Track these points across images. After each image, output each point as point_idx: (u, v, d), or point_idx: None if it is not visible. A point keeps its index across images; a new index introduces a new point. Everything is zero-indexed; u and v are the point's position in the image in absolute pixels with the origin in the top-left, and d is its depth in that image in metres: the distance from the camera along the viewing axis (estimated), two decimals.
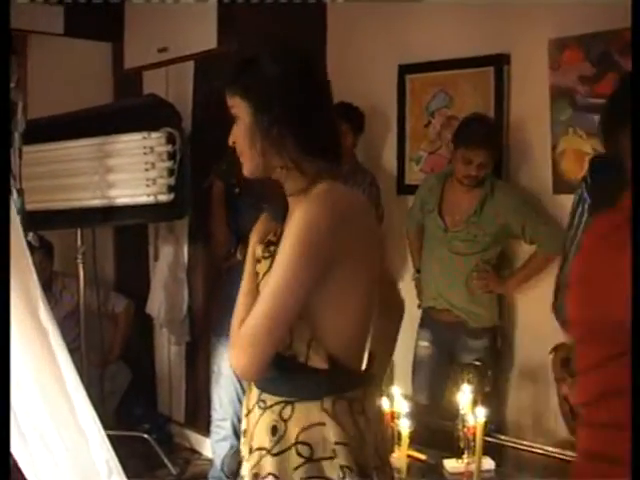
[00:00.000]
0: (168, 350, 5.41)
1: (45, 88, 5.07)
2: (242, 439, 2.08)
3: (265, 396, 1.98)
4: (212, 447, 4.57)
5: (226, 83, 2.02)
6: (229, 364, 1.92)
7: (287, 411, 1.93)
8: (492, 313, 4.25)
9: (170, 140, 4.23)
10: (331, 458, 1.90)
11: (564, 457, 3.06)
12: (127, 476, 1.88)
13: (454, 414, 3.14)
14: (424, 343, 4.35)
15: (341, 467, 1.89)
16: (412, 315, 4.52)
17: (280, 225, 2.01)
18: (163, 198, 4.23)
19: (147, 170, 4.23)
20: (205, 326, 4.98)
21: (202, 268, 5.10)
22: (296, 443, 1.91)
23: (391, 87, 4.75)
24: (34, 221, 3.49)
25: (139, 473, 4.15)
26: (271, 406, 1.96)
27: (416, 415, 3.07)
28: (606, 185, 2.29)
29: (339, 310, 1.94)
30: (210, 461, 4.67)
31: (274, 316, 1.84)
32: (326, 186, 1.94)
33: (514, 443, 3.38)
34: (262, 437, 1.96)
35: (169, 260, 5.09)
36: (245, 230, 2.30)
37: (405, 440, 2.89)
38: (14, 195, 3.54)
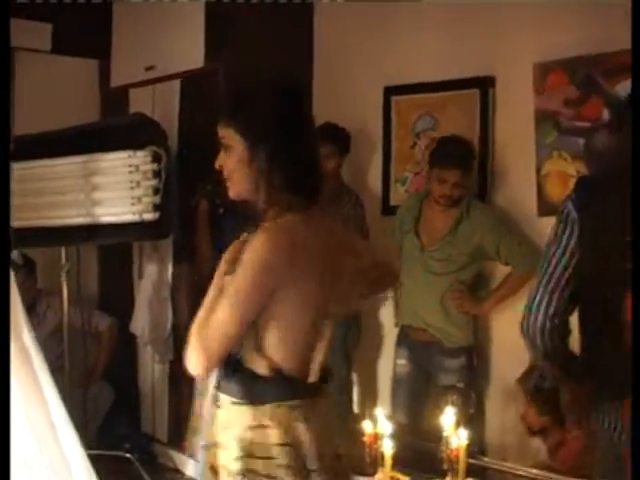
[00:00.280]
0: (152, 369, 5.39)
1: (32, 105, 5.06)
2: (197, 435, 2.31)
3: (221, 396, 2.21)
4: (196, 467, 4.54)
5: (221, 116, 2.21)
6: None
7: (237, 412, 2.17)
8: (467, 333, 4.26)
9: (156, 159, 4.22)
10: (270, 458, 2.12)
11: (547, 478, 3.07)
12: None
13: (437, 435, 3.15)
14: (402, 361, 4.38)
15: (278, 466, 2.11)
16: (393, 335, 4.57)
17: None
18: (148, 217, 4.22)
19: (132, 188, 4.22)
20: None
21: (186, 287, 5.09)
22: (241, 440, 2.14)
23: (377, 108, 4.77)
24: (18, 239, 3.48)
25: None
26: (224, 406, 2.20)
27: (399, 436, 3.07)
28: (593, 202, 2.31)
29: (283, 326, 2.16)
30: None
31: (223, 328, 2.09)
32: (290, 219, 2.15)
33: (497, 465, 3.38)
34: (216, 433, 2.21)
35: (153, 279, 5.08)
36: None
37: (388, 461, 2.90)
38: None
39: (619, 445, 2.20)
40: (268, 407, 2.15)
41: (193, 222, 4.57)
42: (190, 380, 2.46)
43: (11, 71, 5.03)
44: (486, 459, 3.45)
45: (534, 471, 3.21)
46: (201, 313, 2.16)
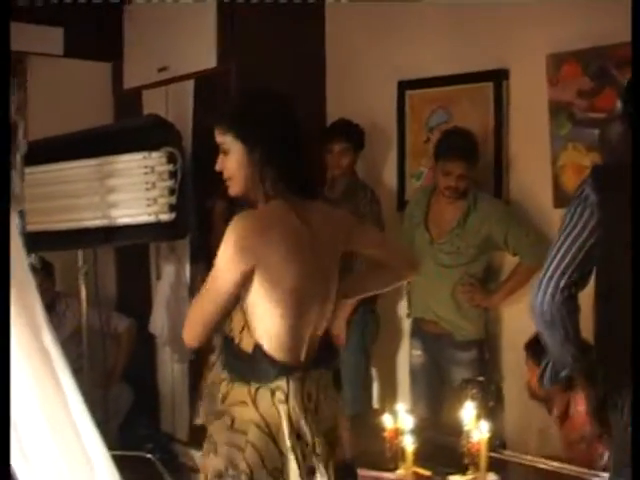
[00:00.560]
0: (171, 369, 5.40)
1: (45, 109, 5.08)
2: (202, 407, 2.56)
3: (222, 372, 2.46)
4: None
5: (218, 123, 2.48)
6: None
7: (229, 387, 2.41)
8: (478, 326, 4.29)
9: (171, 159, 4.23)
10: (244, 433, 2.34)
11: (566, 471, 3.06)
12: None
13: (458, 430, 3.14)
14: (417, 352, 4.43)
15: (247, 442, 2.32)
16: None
17: None
18: (164, 217, 4.22)
19: (148, 190, 4.23)
20: (208, 344, 4.97)
21: None
22: (225, 413, 2.39)
23: (391, 103, 4.76)
24: (36, 242, 3.49)
25: None
26: (223, 379, 2.44)
27: (420, 431, 3.07)
28: (609, 188, 2.31)
29: (264, 306, 2.35)
30: None
31: (204, 307, 2.40)
32: (273, 204, 2.39)
33: (517, 458, 3.37)
34: (211, 404, 2.47)
35: (171, 279, 5.09)
36: None
37: (409, 456, 2.89)
38: (16, 217, 3.55)
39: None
40: (252, 386, 2.37)
41: (209, 222, 4.56)
42: None
43: (24, 76, 5.07)
44: (507, 452, 3.44)
45: (554, 464, 3.20)
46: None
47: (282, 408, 2.35)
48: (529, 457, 3.34)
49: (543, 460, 3.27)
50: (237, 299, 2.39)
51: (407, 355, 4.59)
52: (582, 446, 3.18)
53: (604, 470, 2.90)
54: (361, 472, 3.13)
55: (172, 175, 4.23)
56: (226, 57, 4.80)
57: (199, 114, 5.05)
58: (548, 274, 2.38)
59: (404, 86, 4.71)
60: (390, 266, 2.74)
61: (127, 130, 4.69)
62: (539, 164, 4.15)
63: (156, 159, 4.23)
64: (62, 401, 1.51)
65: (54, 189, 4.45)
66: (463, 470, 3.04)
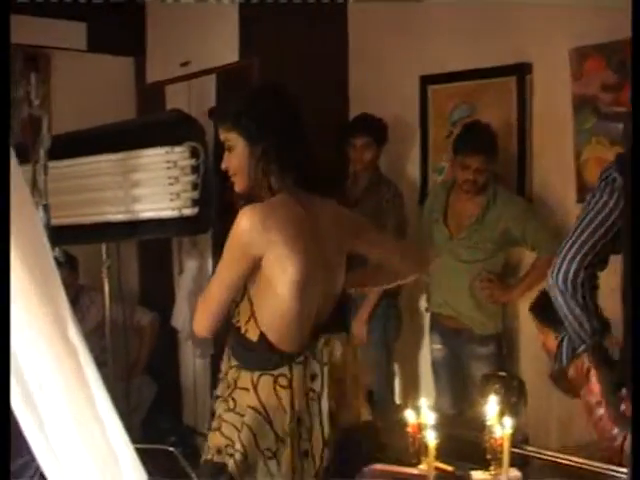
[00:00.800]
0: (193, 362, 5.42)
1: (69, 104, 5.11)
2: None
3: (231, 359, 2.57)
4: None
5: (221, 122, 2.55)
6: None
7: (236, 374, 2.52)
8: (496, 321, 4.31)
9: (194, 154, 4.23)
10: (242, 415, 2.46)
11: (589, 467, 3.04)
12: None
13: (480, 425, 3.13)
14: (437, 346, 4.46)
15: (243, 423, 2.45)
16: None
17: None
18: (187, 212, 4.23)
19: (171, 184, 4.23)
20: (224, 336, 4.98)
21: None
22: (231, 396, 2.51)
23: (413, 98, 4.75)
24: (60, 236, 3.51)
25: None
26: (232, 367, 2.55)
27: (442, 426, 3.06)
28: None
29: (269, 296, 2.45)
30: None
31: (212, 298, 2.49)
32: (279, 197, 2.46)
33: (540, 453, 3.36)
34: (223, 388, 2.58)
35: (193, 273, 5.10)
36: None
37: (432, 452, 2.88)
38: (40, 211, 3.58)
39: None
40: (255, 373, 2.47)
41: (232, 216, 4.57)
42: None
43: (48, 71, 5.09)
44: (529, 448, 3.42)
45: (576, 459, 3.17)
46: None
47: (284, 394, 2.45)
48: (551, 453, 3.32)
49: (565, 456, 3.25)
50: (244, 290, 2.48)
51: (429, 350, 4.59)
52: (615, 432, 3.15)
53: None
54: (383, 467, 3.14)
55: (195, 170, 4.23)
56: (248, 51, 4.81)
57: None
58: (573, 250, 2.39)
59: (427, 81, 4.70)
60: (395, 266, 2.86)
61: (150, 125, 4.71)
62: (562, 158, 4.13)
63: (179, 154, 4.24)
64: (87, 395, 1.52)
65: (78, 183, 4.47)
66: (486, 466, 3.02)
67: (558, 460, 3.23)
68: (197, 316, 2.56)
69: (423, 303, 4.73)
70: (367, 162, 4.55)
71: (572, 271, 2.40)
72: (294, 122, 2.54)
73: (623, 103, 3.86)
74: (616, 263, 2.47)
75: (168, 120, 4.68)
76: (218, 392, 2.63)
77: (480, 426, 3.12)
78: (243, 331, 2.51)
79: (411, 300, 4.76)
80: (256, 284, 2.47)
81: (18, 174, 1.46)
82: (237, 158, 2.51)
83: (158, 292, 5.61)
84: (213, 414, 2.62)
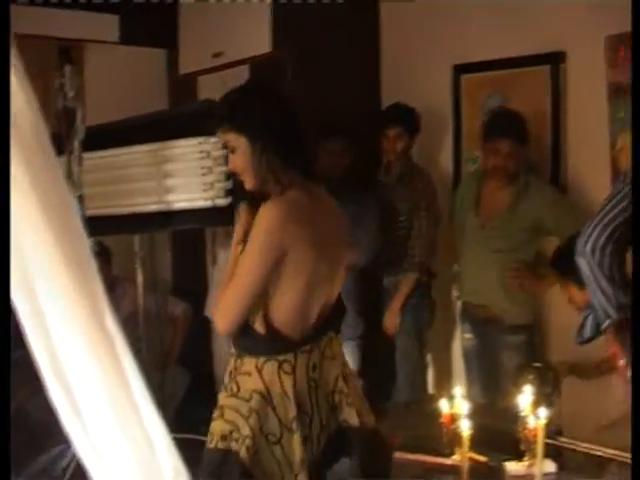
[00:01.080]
0: (226, 353, 5.43)
1: (102, 95, 5.13)
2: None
3: (232, 348, 2.65)
4: None
5: (220, 125, 2.58)
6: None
7: (238, 362, 2.59)
8: (528, 310, 4.29)
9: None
10: (247, 400, 2.52)
11: (622, 458, 3.02)
12: None
13: (513, 415, 3.12)
14: (468, 335, 4.46)
15: (250, 409, 2.51)
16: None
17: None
18: (221, 202, 4.23)
19: (204, 175, 4.23)
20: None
21: None
22: (233, 382, 2.58)
23: (446, 87, 4.73)
24: (93, 227, 3.53)
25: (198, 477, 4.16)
26: (233, 355, 2.64)
27: (475, 416, 3.05)
28: None
29: (284, 290, 2.50)
30: None
31: (241, 293, 2.49)
32: (293, 193, 2.51)
33: (574, 445, 3.34)
34: (226, 376, 2.64)
35: None
36: None
37: (466, 442, 2.88)
38: (74, 202, 3.60)
39: None
40: (260, 359, 2.53)
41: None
42: None
43: (81, 63, 5.12)
44: (562, 439, 3.41)
45: (610, 451, 3.16)
46: (224, 282, 2.57)
47: (287, 379, 2.52)
48: (585, 444, 3.31)
49: (599, 447, 3.24)
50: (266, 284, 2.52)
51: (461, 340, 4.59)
52: None
53: None
54: (417, 457, 3.14)
55: (228, 160, 4.24)
56: (281, 42, 4.80)
57: None
58: (604, 221, 2.40)
59: (459, 70, 4.68)
60: None
61: (183, 115, 4.71)
62: (597, 148, 4.11)
63: (212, 144, 4.23)
64: (124, 383, 1.54)
65: (111, 174, 4.48)
66: (519, 456, 3.02)
67: (592, 452, 3.21)
68: (222, 312, 2.57)
69: (455, 293, 4.72)
70: (400, 152, 4.54)
71: (601, 240, 2.41)
72: (288, 115, 2.58)
73: None
74: None
75: (201, 110, 4.68)
76: (225, 381, 2.66)
77: (513, 417, 3.12)
78: (251, 322, 2.55)
79: (444, 290, 4.74)
80: (274, 276, 2.50)
81: (57, 166, 1.47)
82: (241, 157, 2.55)
83: (191, 282, 5.63)
84: (215, 404, 2.66)
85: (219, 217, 4.37)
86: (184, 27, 5.53)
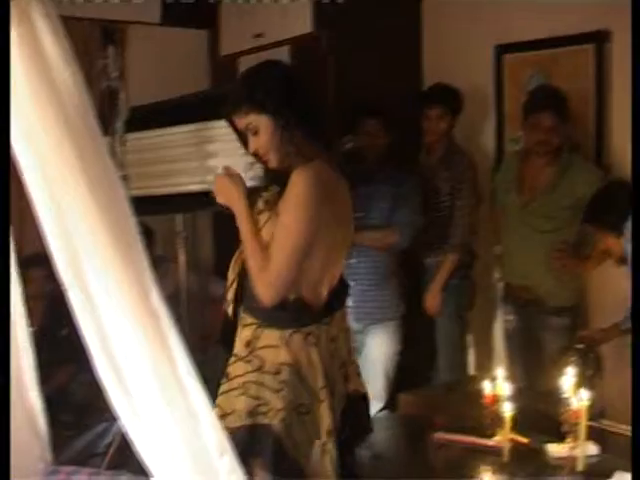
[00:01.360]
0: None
1: (144, 77, 5.16)
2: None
3: (246, 317, 2.60)
4: None
5: (238, 109, 2.59)
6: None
7: (258, 332, 2.56)
8: (571, 292, 4.24)
9: None
10: (276, 374, 2.51)
11: None
12: None
13: (554, 397, 3.11)
14: (509, 317, 4.43)
15: (280, 382, 2.49)
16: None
17: (276, 188, 2.60)
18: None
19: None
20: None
21: None
22: (254, 355, 2.54)
23: (488, 67, 4.70)
24: (137, 208, 3.55)
25: None
26: (249, 325, 2.58)
27: (517, 398, 3.05)
28: None
29: (312, 257, 2.49)
30: None
31: (290, 261, 2.45)
32: (317, 162, 2.49)
33: (615, 427, 3.32)
34: (240, 347, 2.60)
35: None
36: None
37: (508, 423, 2.88)
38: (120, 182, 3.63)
39: None
40: (286, 332, 2.52)
41: None
42: None
43: (123, 44, 5.15)
44: (605, 422, 3.39)
45: None
46: (256, 252, 2.55)
47: (314, 350, 2.53)
48: (627, 427, 3.28)
49: None
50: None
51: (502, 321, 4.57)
52: None
53: None
54: (458, 437, 3.14)
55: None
56: (321, 23, 4.79)
57: None
58: None
59: (502, 50, 4.64)
60: None
61: (225, 96, 4.72)
62: None
63: None
64: (170, 360, 1.56)
65: (154, 155, 4.51)
66: (561, 438, 3.01)
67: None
68: (266, 283, 2.49)
69: (497, 274, 4.70)
70: (441, 132, 4.51)
71: None
72: (304, 91, 2.59)
73: None
74: None
75: None
76: (236, 351, 2.62)
77: (555, 398, 3.11)
78: None
79: (485, 271, 4.73)
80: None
81: (102, 145, 1.49)
82: (264, 136, 2.54)
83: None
84: (226, 375, 2.63)
85: None
86: (225, 8, 5.54)
